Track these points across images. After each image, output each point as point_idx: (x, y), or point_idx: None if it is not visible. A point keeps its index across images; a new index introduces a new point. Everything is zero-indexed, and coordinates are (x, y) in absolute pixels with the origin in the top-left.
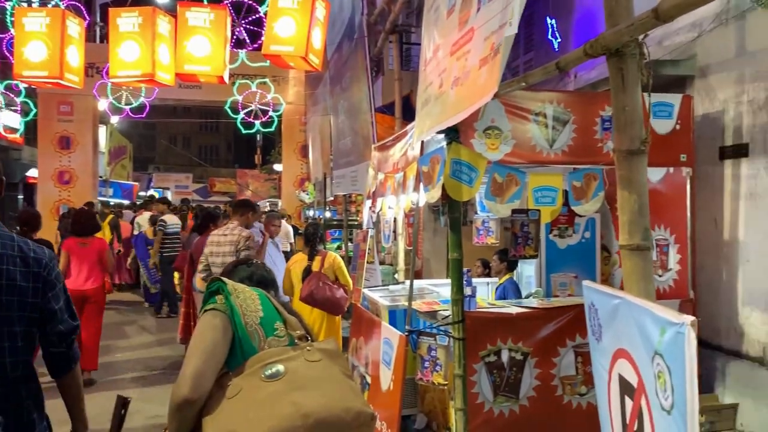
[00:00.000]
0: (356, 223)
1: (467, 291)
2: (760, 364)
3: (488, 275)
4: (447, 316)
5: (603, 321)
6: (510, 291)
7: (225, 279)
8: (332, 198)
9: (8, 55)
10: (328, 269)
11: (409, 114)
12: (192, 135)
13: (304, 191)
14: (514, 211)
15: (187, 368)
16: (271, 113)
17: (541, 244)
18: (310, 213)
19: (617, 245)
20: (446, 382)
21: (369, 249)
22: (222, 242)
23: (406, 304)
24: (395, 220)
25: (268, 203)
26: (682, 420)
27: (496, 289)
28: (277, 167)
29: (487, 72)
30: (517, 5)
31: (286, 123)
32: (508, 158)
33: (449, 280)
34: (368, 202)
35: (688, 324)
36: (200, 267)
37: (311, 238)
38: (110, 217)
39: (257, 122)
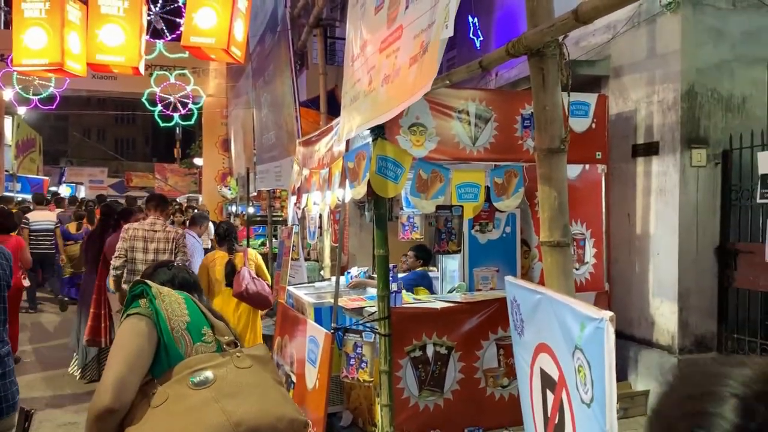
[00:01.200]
0: (281, 219)
1: (393, 287)
2: (669, 351)
3: (425, 265)
4: (373, 313)
5: (525, 316)
6: (421, 280)
7: (149, 282)
8: (255, 193)
9: None
10: (251, 265)
11: (333, 108)
12: (107, 127)
13: (226, 186)
14: (438, 207)
15: (108, 375)
16: (190, 106)
17: (464, 239)
18: (233, 209)
19: (536, 240)
20: (372, 379)
21: (294, 245)
22: (151, 238)
23: (332, 301)
24: (321, 217)
25: (187, 198)
26: (601, 413)
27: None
28: (198, 161)
29: (417, 70)
30: (452, 6)
31: (207, 116)
32: (432, 155)
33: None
34: (293, 198)
35: (607, 319)
36: (116, 263)
37: (227, 234)
38: (15, 212)
39: (176, 115)
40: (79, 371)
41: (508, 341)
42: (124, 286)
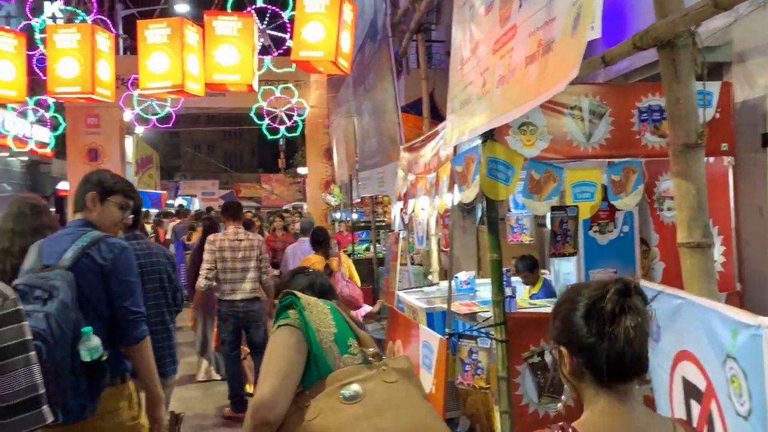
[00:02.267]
0: (383, 224)
1: (507, 292)
2: None
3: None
4: (487, 318)
5: (662, 321)
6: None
7: (297, 292)
8: (359, 200)
9: (38, 71)
10: (344, 269)
11: (435, 112)
12: (216, 142)
13: (329, 194)
14: (553, 208)
15: (264, 388)
16: (295, 118)
17: (580, 240)
18: (337, 215)
19: (656, 239)
20: (488, 386)
21: (402, 251)
22: (237, 247)
23: (444, 306)
24: (428, 222)
25: (293, 206)
26: (761, 425)
27: (531, 297)
28: (302, 170)
29: (538, 70)
30: (597, 6)
31: (310, 126)
32: (544, 154)
33: (486, 280)
34: (399, 204)
35: (765, 326)
36: (209, 275)
37: (322, 240)
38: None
39: (282, 128)
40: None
41: None
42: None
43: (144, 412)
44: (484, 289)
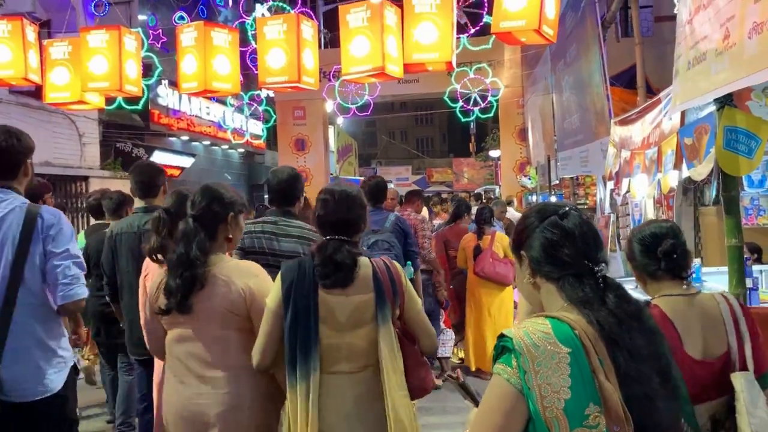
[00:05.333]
0: (585, 206)
1: (748, 283)
2: None
3: (759, 261)
4: None
5: None
6: None
7: (519, 340)
8: (558, 181)
9: (251, 66)
10: (498, 247)
11: (635, 84)
12: (409, 129)
13: (525, 176)
14: None
15: None
16: (489, 98)
17: None
18: (533, 198)
19: None
20: None
21: (611, 236)
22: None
23: None
24: (644, 203)
25: (483, 190)
26: None
27: None
28: (493, 153)
29: None
30: None
31: (503, 107)
32: None
33: (711, 269)
34: (609, 184)
35: None
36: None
37: (479, 219)
38: None
39: (476, 109)
40: None
41: None
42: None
43: None
44: (712, 279)
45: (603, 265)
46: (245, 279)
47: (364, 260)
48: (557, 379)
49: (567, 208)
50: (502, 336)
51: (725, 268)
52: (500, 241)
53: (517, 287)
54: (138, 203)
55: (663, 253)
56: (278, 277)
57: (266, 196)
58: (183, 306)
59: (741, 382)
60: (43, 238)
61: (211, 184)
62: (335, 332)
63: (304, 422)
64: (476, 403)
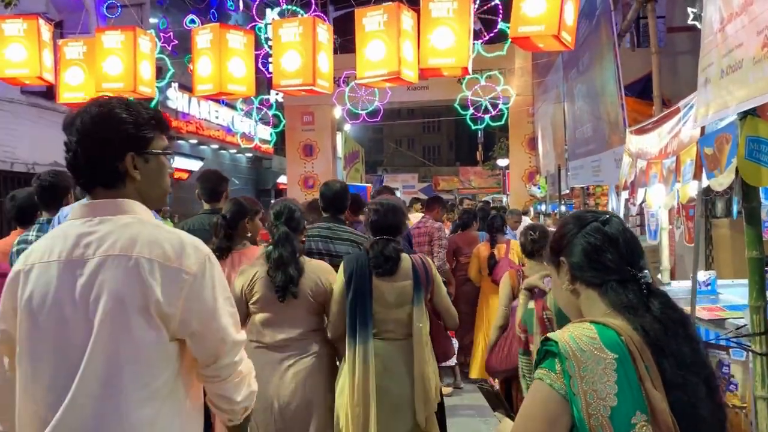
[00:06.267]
0: None
1: None
2: None
3: None
4: (741, 327)
5: None
6: None
7: (565, 343)
8: (568, 191)
9: (263, 70)
10: (513, 254)
11: (646, 94)
12: (416, 136)
13: (535, 185)
14: None
15: None
16: (500, 106)
17: None
18: (542, 208)
19: None
20: (744, 405)
21: None
22: (419, 234)
23: (686, 309)
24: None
25: (491, 198)
26: None
27: None
28: (501, 162)
29: None
30: None
31: (513, 115)
32: None
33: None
34: (624, 194)
35: None
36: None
37: (491, 227)
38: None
39: (486, 117)
40: None
41: None
42: None
43: None
44: (727, 292)
45: (646, 272)
46: (326, 275)
47: (405, 255)
48: (603, 385)
49: (608, 215)
50: (546, 340)
51: (740, 281)
52: (515, 248)
53: (554, 294)
54: (205, 206)
55: None
56: (341, 268)
57: (273, 201)
58: (286, 295)
59: None
60: None
61: (288, 202)
62: (384, 309)
63: (361, 373)
64: (508, 414)
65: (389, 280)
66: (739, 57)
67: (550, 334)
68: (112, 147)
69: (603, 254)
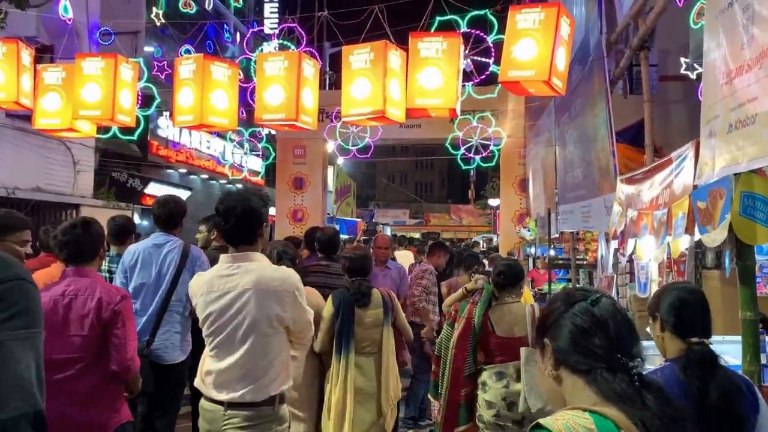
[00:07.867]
0: (584, 262)
1: (762, 359)
2: None
3: None
4: None
5: None
6: None
7: (559, 428)
8: (557, 235)
9: (252, 103)
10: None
11: (636, 141)
12: (408, 173)
13: (524, 227)
14: None
15: None
16: (491, 147)
17: None
18: (531, 250)
19: None
20: None
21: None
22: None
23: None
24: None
25: (482, 239)
26: None
27: None
28: (492, 202)
29: None
30: None
31: (504, 157)
32: None
33: (716, 337)
34: (613, 243)
35: None
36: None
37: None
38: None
39: (477, 157)
40: None
41: None
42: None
43: None
44: (719, 350)
45: (638, 360)
46: (313, 297)
47: (375, 290)
48: None
49: (598, 294)
50: (537, 426)
51: (732, 337)
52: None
53: (538, 380)
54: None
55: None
56: (329, 300)
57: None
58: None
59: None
60: (191, 265)
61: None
62: (363, 330)
63: (343, 381)
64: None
65: (366, 309)
66: (751, 112)
67: (541, 421)
68: (258, 222)
69: (590, 338)
